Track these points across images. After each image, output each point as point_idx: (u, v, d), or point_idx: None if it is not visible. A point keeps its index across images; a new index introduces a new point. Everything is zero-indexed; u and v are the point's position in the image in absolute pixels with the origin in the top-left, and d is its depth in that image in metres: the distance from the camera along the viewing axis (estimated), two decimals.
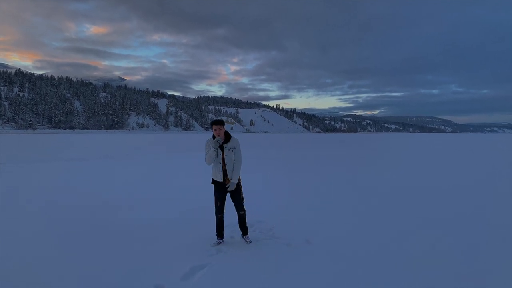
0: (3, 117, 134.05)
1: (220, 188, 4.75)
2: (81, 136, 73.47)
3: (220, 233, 4.82)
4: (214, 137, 4.67)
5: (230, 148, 4.70)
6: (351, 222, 5.81)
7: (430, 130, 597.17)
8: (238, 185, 4.79)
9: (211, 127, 4.66)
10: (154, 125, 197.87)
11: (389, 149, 30.29)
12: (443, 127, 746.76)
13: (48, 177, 10.87)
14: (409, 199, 7.83)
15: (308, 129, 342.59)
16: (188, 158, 18.67)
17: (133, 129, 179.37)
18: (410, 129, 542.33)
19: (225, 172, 4.69)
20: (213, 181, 4.76)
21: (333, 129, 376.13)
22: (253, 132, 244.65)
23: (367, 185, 9.79)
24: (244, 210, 4.87)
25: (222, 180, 4.69)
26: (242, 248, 4.57)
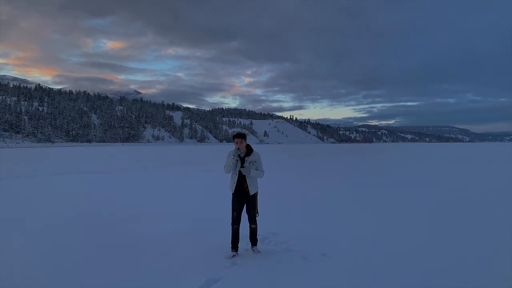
0: (23, 131, 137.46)
1: (237, 199, 4.80)
2: (97, 149, 74.65)
3: (235, 246, 4.82)
4: None
5: (251, 162, 4.77)
6: (368, 235, 5.73)
7: (447, 139, 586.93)
8: (254, 198, 4.82)
9: (233, 140, 4.76)
10: (169, 137, 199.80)
11: (408, 159, 29.81)
12: (460, 137, 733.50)
13: (65, 190, 11.05)
14: (432, 211, 7.68)
15: (322, 139, 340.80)
16: (202, 170, 18.76)
17: (148, 141, 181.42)
18: (427, 139, 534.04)
19: (243, 185, 4.77)
20: (234, 192, 4.84)
21: (348, 140, 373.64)
22: (267, 143, 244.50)
23: (387, 197, 9.66)
24: (256, 225, 4.90)
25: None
26: (257, 261, 4.54)
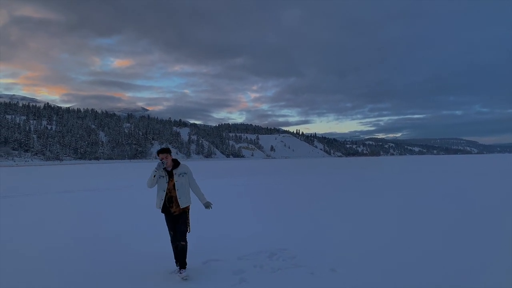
0: (32, 149, 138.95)
1: (168, 217, 4.61)
2: (105, 166, 75.01)
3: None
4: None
5: (181, 174, 4.59)
6: (380, 248, 5.62)
7: (455, 152, 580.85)
8: (185, 213, 4.61)
9: (158, 156, 4.54)
10: (177, 153, 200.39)
11: (421, 173, 29.41)
12: (468, 149, 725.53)
13: (71, 208, 11.10)
14: (447, 225, 7.55)
15: (329, 153, 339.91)
16: (210, 185, 18.70)
17: (156, 158, 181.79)
18: (434, 151, 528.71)
19: (171, 199, 4.53)
20: (162, 210, 4.60)
21: (355, 153, 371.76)
22: (274, 158, 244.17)
23: (398, 211, 9.52)
24: (186, 242, 4.53)
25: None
26: (264, 278, 4.46)
